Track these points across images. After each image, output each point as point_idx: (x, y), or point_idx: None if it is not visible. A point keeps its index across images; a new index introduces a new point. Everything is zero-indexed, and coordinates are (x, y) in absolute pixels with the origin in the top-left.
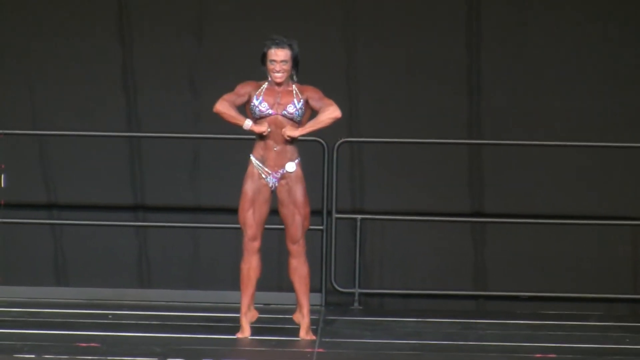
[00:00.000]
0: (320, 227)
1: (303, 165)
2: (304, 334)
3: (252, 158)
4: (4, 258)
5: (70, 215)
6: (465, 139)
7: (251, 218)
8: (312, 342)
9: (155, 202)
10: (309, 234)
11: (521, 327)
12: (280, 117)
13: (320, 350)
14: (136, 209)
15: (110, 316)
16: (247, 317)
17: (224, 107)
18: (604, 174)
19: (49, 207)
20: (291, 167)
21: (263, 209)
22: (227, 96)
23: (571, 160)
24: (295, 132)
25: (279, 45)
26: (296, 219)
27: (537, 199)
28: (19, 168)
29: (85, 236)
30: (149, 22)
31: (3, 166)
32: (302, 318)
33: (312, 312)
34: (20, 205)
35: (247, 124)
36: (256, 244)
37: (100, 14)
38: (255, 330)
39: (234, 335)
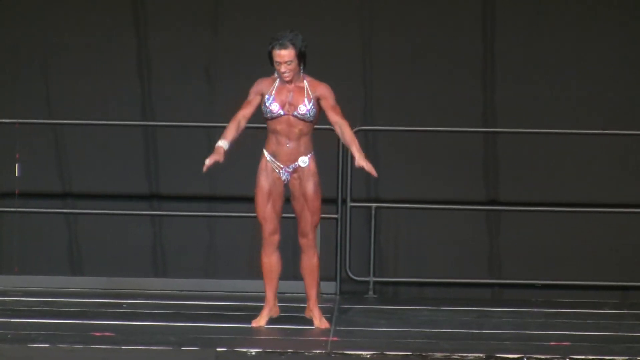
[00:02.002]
0: (335, 216)
1: (319, 153)
2: (318, 323)
3: (265, 152)
4: (20, 247)
5: (85, 205)
6: (480, 127)
7: (270, 212)
8: (327, 330)
9: (170, 191)
10: (324, 223)
11: (536, 315)
12: (292, 118)
13: (335, 338)
14: (151, 198)
15: (124, 305)
16: (271, 311)
17: (226, 129)
18: (619, 162)
19: (64, 196)
20: (304, 161)
21: (278, 203)
22: (240, 112)
23: (586, 149)
24: (362, 162)
25: (281, 45)
26: (305, 213)
27: (552, 187)
28: (34, 157)
29: (100, 225)
30: (164, 11)
31: (18, 155)
32: (312, 308)
33: (327, 300)
34: (35, 195)
35: (219, 144)
36: (276, 238)
37: (115, 3)
38: (269, 319)
39: (248, 324)
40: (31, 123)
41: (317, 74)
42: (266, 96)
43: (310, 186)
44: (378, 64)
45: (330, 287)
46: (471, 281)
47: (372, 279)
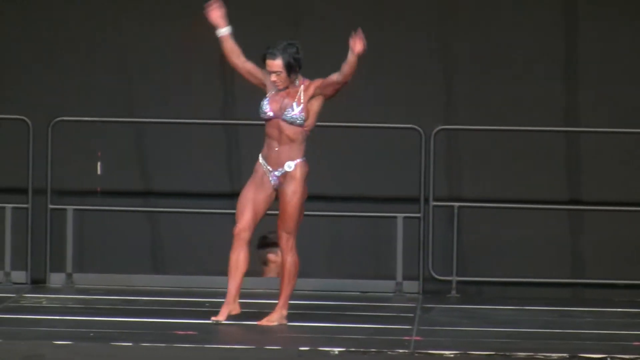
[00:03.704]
0: (418, 215)
1: (400, 152)
2: (266, 319)
3: (260, 156)
4: (101, 246)
5: (166, 203)
6: (562, 125)
7: (247, 209)
8: (410, 330)
9: None
10: (407, 222)
11: (618, 315)
12: (281, 122)
13: (418, 338)
14: (233, 196)
15: (207, 304)
16: (230, 308)
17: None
18: None
19: (146, 194)
20: (289, 166)
21: (260, 205)
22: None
23: None
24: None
25: (271, 55)
26: (279, 219)
27: (635, 186)
28: (116, 156)
29: (182, 224)
30: (245, 8)
31: (100, 154)
32: (276, 308)
33: (409, 299)
34: (117, 193)
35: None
36: (246, 235)
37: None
38: (351, 318)
39: (331, 323)
40: (113, 121)
41: (398, 74)
42: (265, 97)
43: (288, 193)
44: (459, 63)
45: (413, 286)
46: (553, 280)
47: (454, 278)
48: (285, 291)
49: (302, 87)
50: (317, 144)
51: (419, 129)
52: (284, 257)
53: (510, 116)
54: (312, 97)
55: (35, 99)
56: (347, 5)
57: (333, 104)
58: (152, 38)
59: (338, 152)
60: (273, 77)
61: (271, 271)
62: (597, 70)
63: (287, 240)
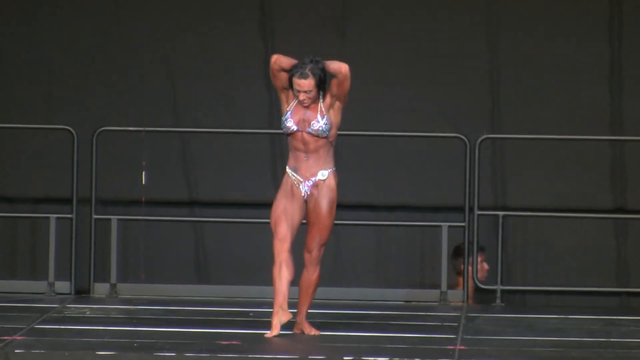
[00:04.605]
0: (463, 224)
1: (445, 161)
2: (309, 331)
3: (287, 168)
4: (146, 255)
5: (211, 212)
6: (607, 133)
7: (283, 218)
8: (454, 339)
9: None
10: (451, 231)
11: None
12: (305, 134)
13: (462, 347)
14: None
15: (251, 314)
16: (279, 316)
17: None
18: None
19: (191, 204)
20: (323, 174)
21: (295, 214)
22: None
23: None
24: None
25: (302, 75)
26: (313, 229)
27: None
28: (161, 165)
29: (226, 233)
30: (290, 17)
31: (144, 163)
32: (301, 322)
33: (454, 308)
34: (162, 202)
35: None
36: (287, 246)
37: (241, 9)
38: (395, 328)
39: (376, 332)
40: (157, 131)
41: (443, 83)
42: (286, 108)
43: (324, 203)
44: (505, 72)
45: (458, 295)
46: (599, 289)
47: (499, 287)
48: (309, 304)
49: (320, 98)
50: (362, 153)
51: (464, 137)
52: (313, 268)
53: (555, 125)
54: (330, 106)
55: (80, 109)
56: (392, 11)
57: (378, 113)
58: (197, 47)
59: (383, 161)
60: (302, 96)
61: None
62: None
63: (318, 251)
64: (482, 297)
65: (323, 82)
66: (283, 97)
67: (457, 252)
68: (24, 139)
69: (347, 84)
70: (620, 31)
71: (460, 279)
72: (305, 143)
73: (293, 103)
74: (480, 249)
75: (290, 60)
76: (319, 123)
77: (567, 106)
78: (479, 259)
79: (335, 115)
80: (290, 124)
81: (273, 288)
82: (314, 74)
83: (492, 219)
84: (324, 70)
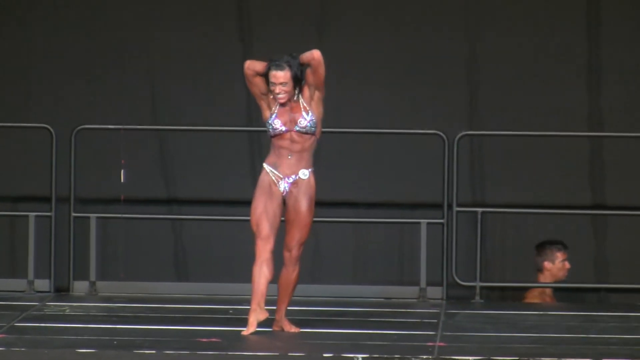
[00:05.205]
0: (441, 221)
1: (423, 158)
2: (289, 328)
3: (265, 165)
4: (125, 254)
5: (190, 210)
6: (585, 129)
7: (264, 217)
8: (434, 335)
9: None
10: (430, 228)
11: None
12: (294, 133)
13: (442, 344)
14: None
15: (231, 311)
16: (256, 314)
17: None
18: None
19: (169, 202)
20: (304, 174)
21: (275, 213)
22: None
23: None
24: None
25: (277, 67)
26: (293, 228)
27: None
28: (139, 163)
29: (205, 231)
30: (268, 17)
31: (123, 162)
32: (280, 320)
33: (433, 305)
34: (140, 201)
35: None
36: (269, 246)
37: (220, 9)
38: (375, 325)
39: (355, 329)
40: (136, 129)
41: (421, 80)
42: (270, 112)
43: (304, 202)
44: (483, 68)
45: (437, 292)
46: (577, 285)
47: (478, 283)
48: (288, 301)
49: (299, 96)
50: (340, 150)
51: (443, 134)
52: (292, 267)
53: (534, 121)
54: (310, 98)
55: (59, 107)
56: (370, 11)
57: (357, 111)
58: (175, 45)
59: (362, 158)
60: (277, 89)
61: (546, 278)
62: (620, 75)
63: (298, 250)
64: (462, 293)
65: (299, 80)
66: (263, 104)
67: (540, 249)
68: (1, 138)
69: (321, 70)
70: (598, 28)
71: (541, 276)
72: (292, 141)
73: (275, 107)
74: (563, 247)
75: (262, 63)
76: (306, 120)
77: (545, 103)
78: (561, 257)
79: (317, 108)
80: (278, 124)
81: (252, 286)
82: (290, 66)
83: (471, 215)
84: (300, 67)
